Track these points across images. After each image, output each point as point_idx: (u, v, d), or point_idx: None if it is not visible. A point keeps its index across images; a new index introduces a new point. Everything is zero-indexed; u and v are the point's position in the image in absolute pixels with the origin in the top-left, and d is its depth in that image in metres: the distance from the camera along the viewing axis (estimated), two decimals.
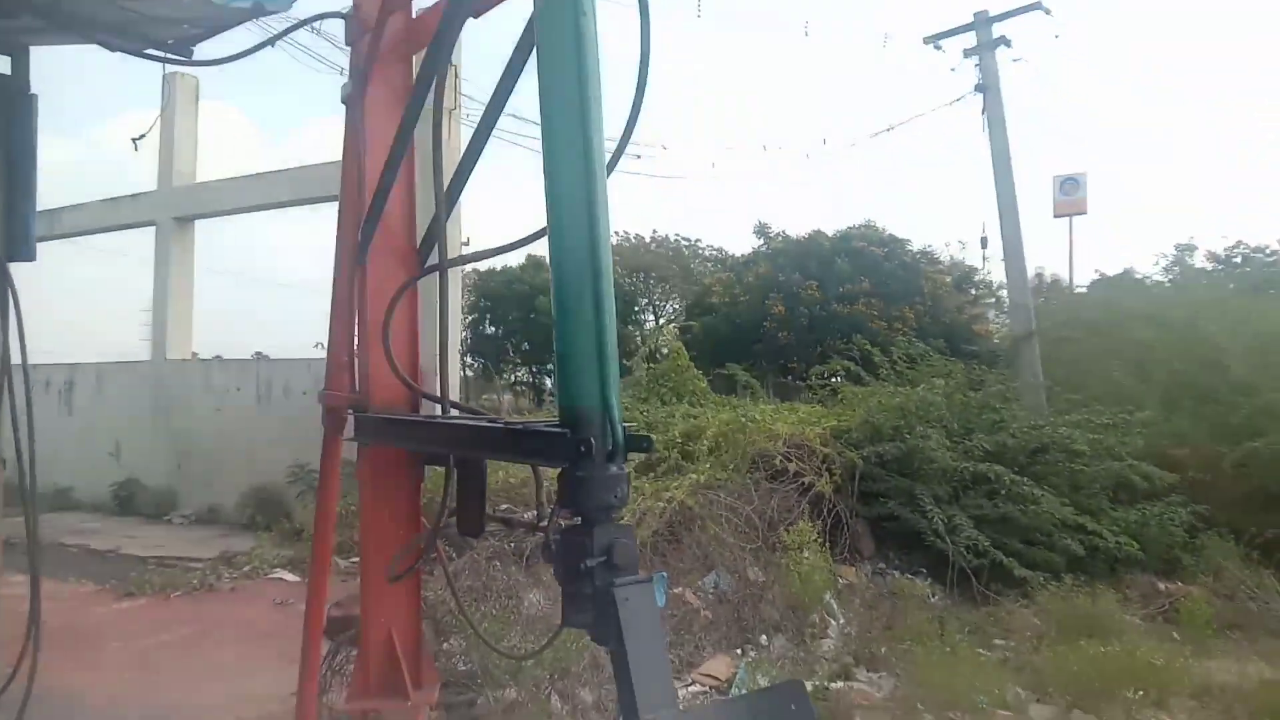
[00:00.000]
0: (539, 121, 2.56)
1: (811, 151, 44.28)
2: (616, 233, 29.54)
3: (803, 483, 8.73)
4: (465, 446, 2.94)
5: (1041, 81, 39.20)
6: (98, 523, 12.93)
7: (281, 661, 6.82)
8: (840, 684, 6.27)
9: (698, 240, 34.60)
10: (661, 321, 32.53)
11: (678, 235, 34.40)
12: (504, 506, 7.71)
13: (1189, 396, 12.33)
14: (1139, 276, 22.56)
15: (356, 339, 3.52)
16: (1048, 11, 12.76)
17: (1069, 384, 12.46)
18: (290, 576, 9.23)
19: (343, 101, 3.68)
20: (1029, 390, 11.69)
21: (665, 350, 11.39)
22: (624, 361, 11.89)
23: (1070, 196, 25.07)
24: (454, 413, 3.30)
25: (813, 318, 24.25)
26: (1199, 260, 25.40)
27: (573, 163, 2.50)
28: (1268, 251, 32.96)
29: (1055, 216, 25.19)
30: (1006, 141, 13.08)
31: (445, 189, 3.19)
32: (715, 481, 7.97)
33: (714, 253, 34.21)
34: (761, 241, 28.51)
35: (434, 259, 3.49)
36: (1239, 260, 33.54)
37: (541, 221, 2.61)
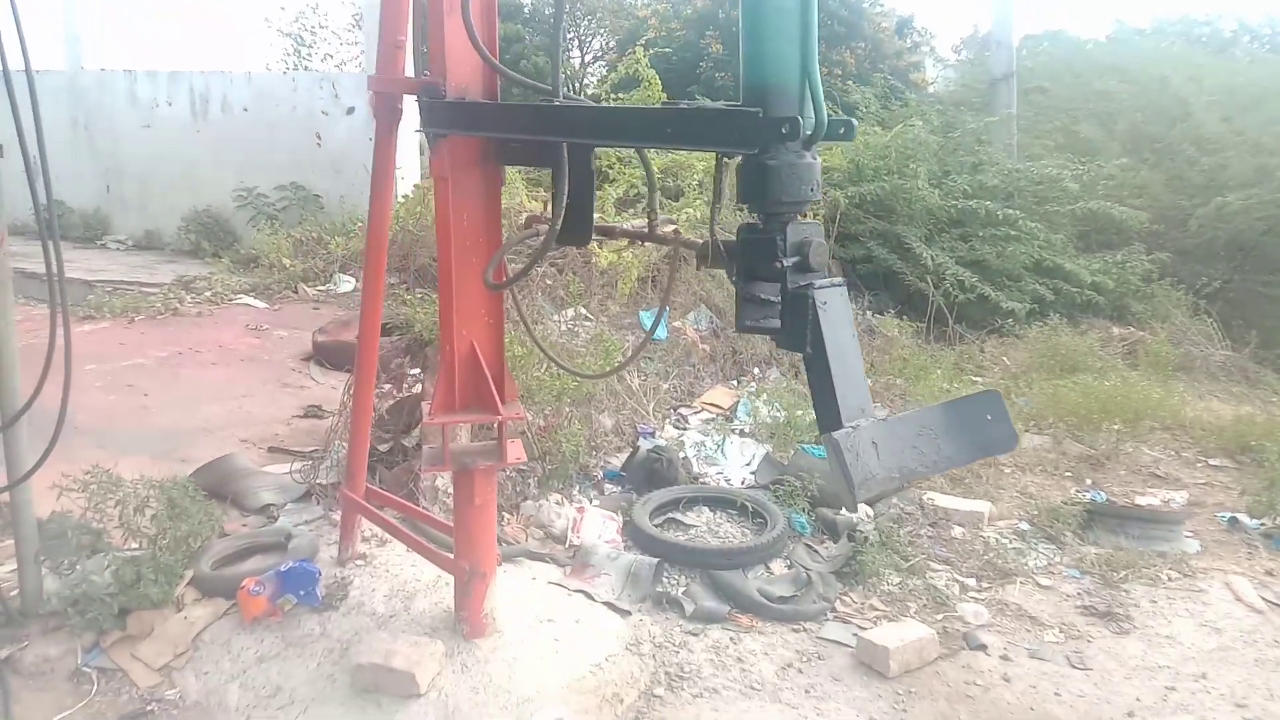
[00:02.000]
0: None
1: None
2: None
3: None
4: (614, 135, 2.59)
5: None
6: (21, 245, 12.00)
7: (271, 385, 6.63)
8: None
9: None
10: (588, 58, 30.88)
11: None
12: None
13: (1151, 150, 12.40)
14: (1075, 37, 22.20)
15: (429, 10, 3.00)
16: None
17: (1034, 132, 12.36)
18: (257, 302, 8.82)
19: None
20: (1000, 131, 11.54)
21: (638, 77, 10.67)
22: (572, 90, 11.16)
23: None
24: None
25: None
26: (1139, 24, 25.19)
27: None
28: (1202, 20, 33.05)
29: None
30: None
31: None
32: (705, 218, 7.69)
33: None
34: None
35: None
36: (1177, 25, 33.46)
37: None
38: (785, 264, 2.19)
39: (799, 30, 2.13)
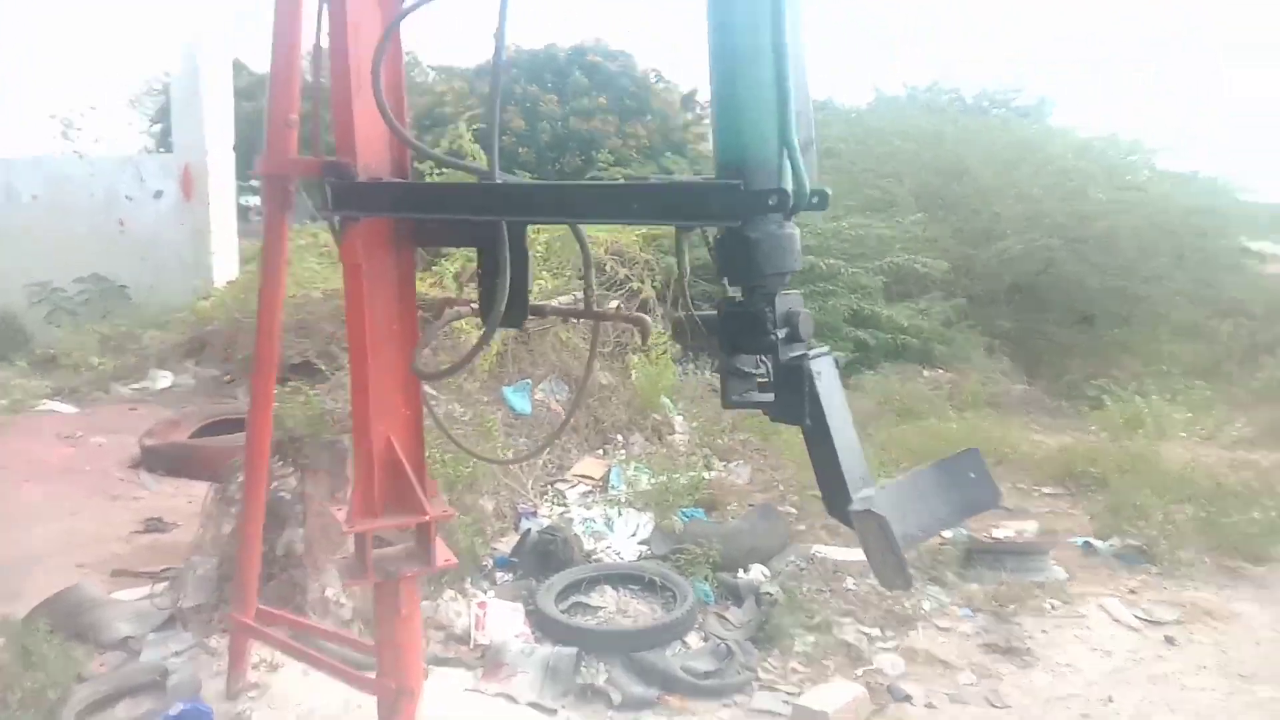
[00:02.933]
0: None
1: None
2: None
3: (630, 288, 8.61)
4: (577, 213, 2.47)
5: None
6: None
7: (99, 499, 5.91)
8: (710, 473, 6.42)
9: (411, 52, 32.30)
10: None
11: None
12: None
13: (938, 205, 13.50)
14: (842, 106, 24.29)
15: (333, 87, 2.80)
16: None
17: (836, 194, 13.17)
18: (64, 407, 7.87)
19: None
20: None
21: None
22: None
23: None
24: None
25: (553, 133, 23.89)
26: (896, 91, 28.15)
27: None
28: (948, 88, 37.29)
29: None
30: None
31: None
32: (555, 290, 7.64)
33: (436, 68, 32.24)
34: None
35: None
36: (926, 93, 37.27)
37: None
38: (778, 336, 2.15)
39: (775, 101, 2.13)
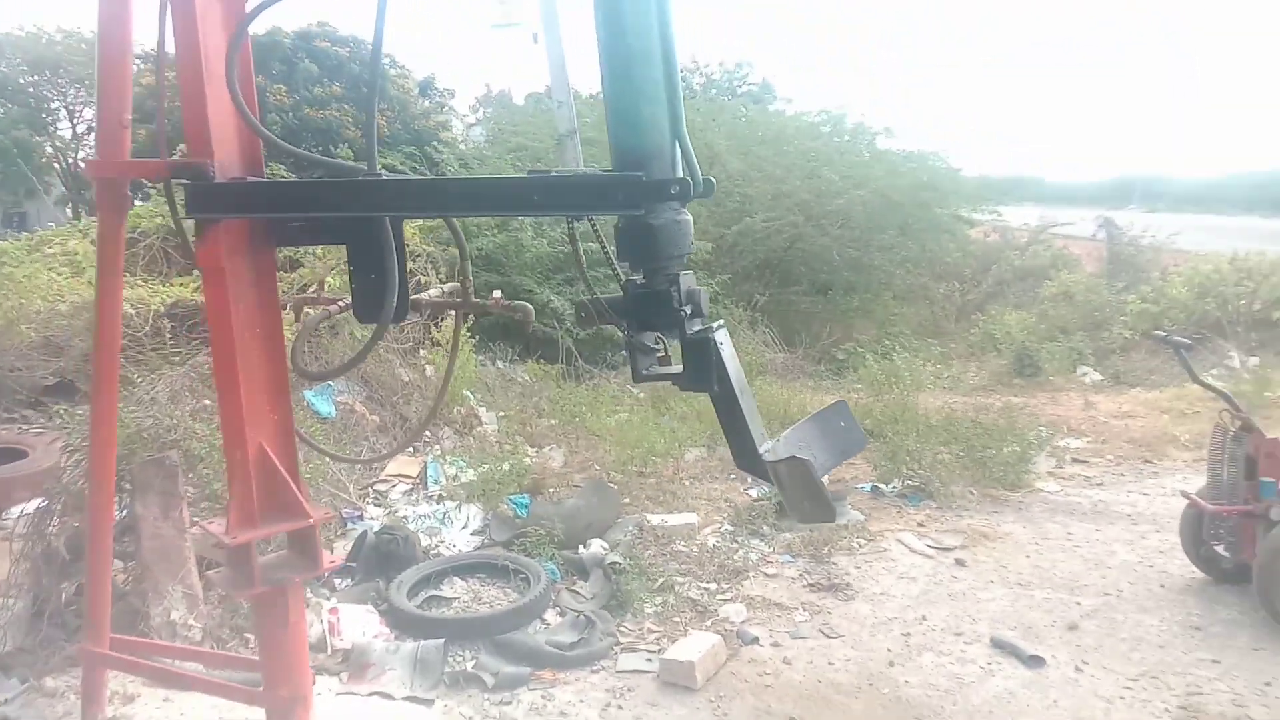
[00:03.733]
0: None
1: None
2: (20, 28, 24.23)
3: (418, 280, 8.50)
4: (473, 206, 2.52)
5: None
6: None
7: None
8: (527, 459, 6.54)
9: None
10: (80, 129, 27.71)
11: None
12: None
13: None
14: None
15: (181, 81, 2.68)
16: None
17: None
18: None
19: None
20: None
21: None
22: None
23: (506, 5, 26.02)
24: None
25: (285, 125, 22.70)
26: None
27: None
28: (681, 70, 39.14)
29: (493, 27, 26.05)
30: None
31: None
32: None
33: (150, 51, 29.41)
34: None
35: None
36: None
37: None
38: (687, 312, 2.35)
39: (667, 96, 2.30)
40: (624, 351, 2.47)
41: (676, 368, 2.43)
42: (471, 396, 7.90)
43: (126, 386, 6.35)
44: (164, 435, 4.38)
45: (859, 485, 6.37)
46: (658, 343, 2.49)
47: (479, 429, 7.36)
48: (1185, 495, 4.89)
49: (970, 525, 5.61)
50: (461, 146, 22.66)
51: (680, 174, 2.31)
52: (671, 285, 2.34)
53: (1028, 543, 5.39)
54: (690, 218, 2.38)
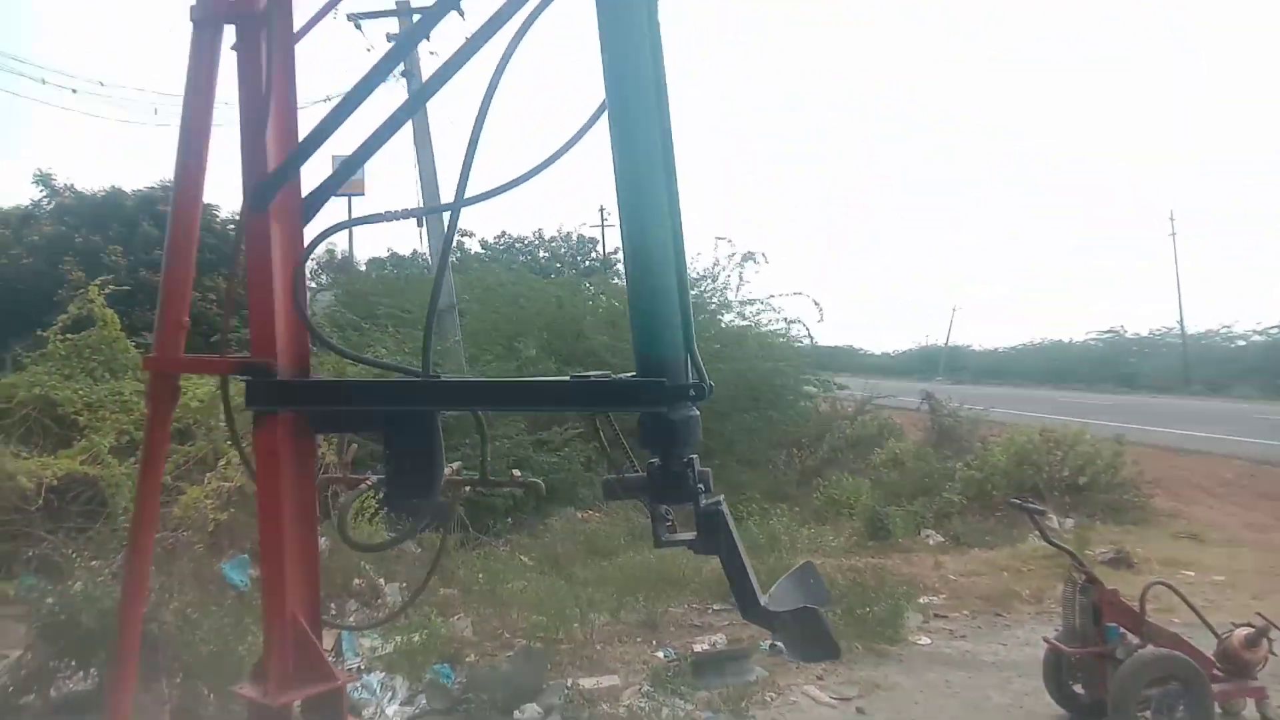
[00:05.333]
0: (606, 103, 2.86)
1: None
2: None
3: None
4: (549, 402, 3.02)
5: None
6: None
7: None
8: (442, 629, 6.72)
9: None
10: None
11: None
12: None
13: (557, 358, 14.93)
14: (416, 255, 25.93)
15: (250, 287, 3.11)
16: (462, 15, 14.02)
17: (478, 347, 14.18)
18: None
19: (194, 21, 3.20)
20: (451, 355, 12.98)
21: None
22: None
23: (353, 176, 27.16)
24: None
25: (117, 285, 22.16)
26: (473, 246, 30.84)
27: (650, 144, 2.87)
28: (526, 241, 41.00)
29: (336, 195, 27.01)
30: (427, 122, 14.20)
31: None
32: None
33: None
34: (45, 194, 24.51)
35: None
36: (504, 248, 40.45)
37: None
38: (701, 489, 2.91)
39: (681, 316, 2.92)
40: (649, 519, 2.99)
41: (690, 535, 2.94)
42: (369, 568, 8.00)
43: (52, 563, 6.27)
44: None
45: (760, 643, 6.88)
46: (668, 514, 3.02)
47: (380, 600, 7.48)
48: (1046, 640, 5.69)
49: (863, 676, 6.20)
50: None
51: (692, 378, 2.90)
52: (688, 467, 2.89)
53: (915, 690, 6.03)
54: (698, 413, 2.96)
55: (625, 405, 2.91)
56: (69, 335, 9.76)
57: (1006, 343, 63.06)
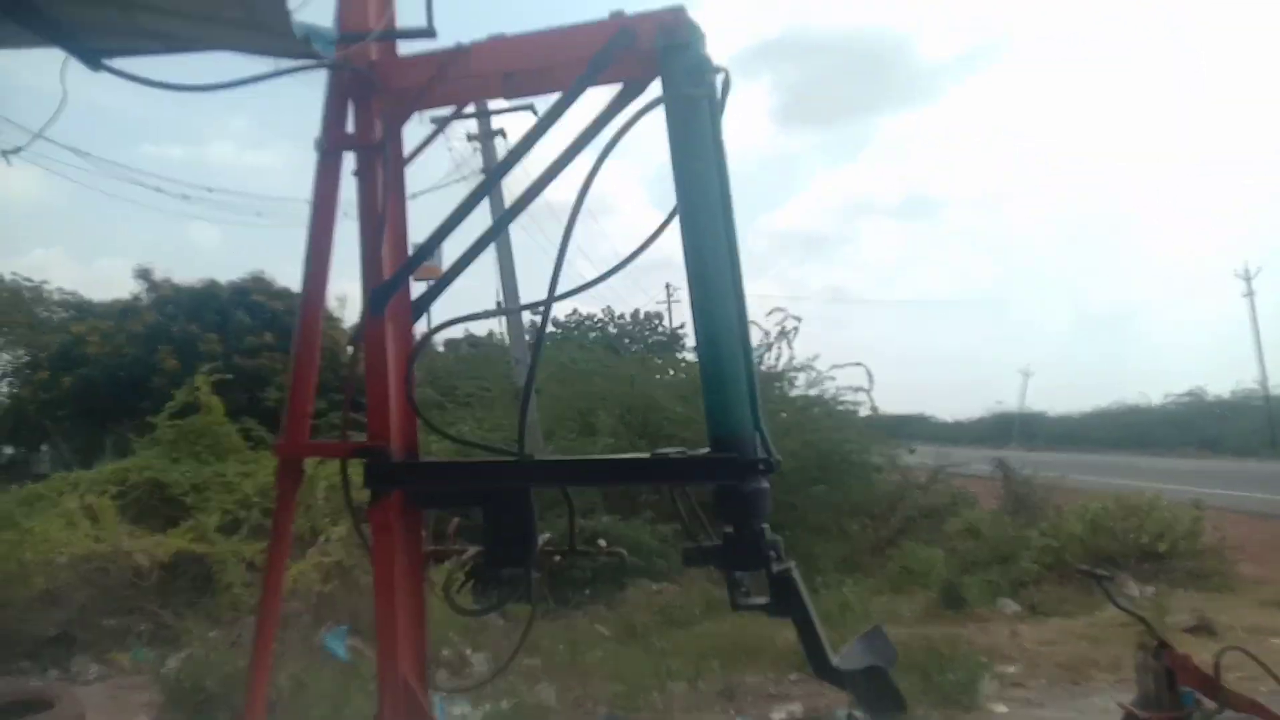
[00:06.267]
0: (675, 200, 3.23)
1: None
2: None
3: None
4: (632, 478, 3.37)
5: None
6: None
7: None
8: (528, 698, 6.99)
9: (44, 282, 30.20)
10: None
11: (14, 274, 29.61)
12: None
13: (631, 432, 15.28)
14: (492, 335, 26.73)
15: (369, 377, 3.51)
16: (535, 112, 14.91)
17: (557, 424, 14.67)
18: None
19: (319, 151, 3.66)
20: (529, 432, 13.46)
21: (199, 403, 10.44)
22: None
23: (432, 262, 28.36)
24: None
25: (221, 374, 23.25)
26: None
27: (716, 245, 3.24)
28: (596, 320, 41.59)
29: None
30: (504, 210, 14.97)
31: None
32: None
33: (68, 296, 30.16)
34: (145, 287, 25.98)
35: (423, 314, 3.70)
36: (574, 325, 41.15)
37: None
38: (774, 556, 3.19)
39: (749, 397, 3.24)
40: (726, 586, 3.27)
41: (764, 599, 3.21)
42: (456, 638, 8.33)
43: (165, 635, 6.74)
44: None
45: (837, 711, 6.99)
46: (743, 580, 3.30)
47: (468, 669, 7.78)
48: (1121, 706, 5.70)
49: None
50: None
51: (761, 453, 3.21)
52: (759, 537, 3.18)
53: None
54: (768, 486, 3.26)
55: (701, 480, 3.25)
56: (176, 420, 10.43)
57: (1082, 407, 61.25)
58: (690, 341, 29.69)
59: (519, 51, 3.41)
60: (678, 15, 3.17)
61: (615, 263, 3.54)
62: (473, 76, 3.46)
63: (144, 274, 25.19)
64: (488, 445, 3.73)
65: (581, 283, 3.57)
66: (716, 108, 3.24)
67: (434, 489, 3.57)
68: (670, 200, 3.22)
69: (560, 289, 3.35)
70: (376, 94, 3.52)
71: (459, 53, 3.40)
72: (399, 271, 3.55)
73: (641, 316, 41.42)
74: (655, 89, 3.26)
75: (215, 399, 10.36)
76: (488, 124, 15.49)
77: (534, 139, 3.39)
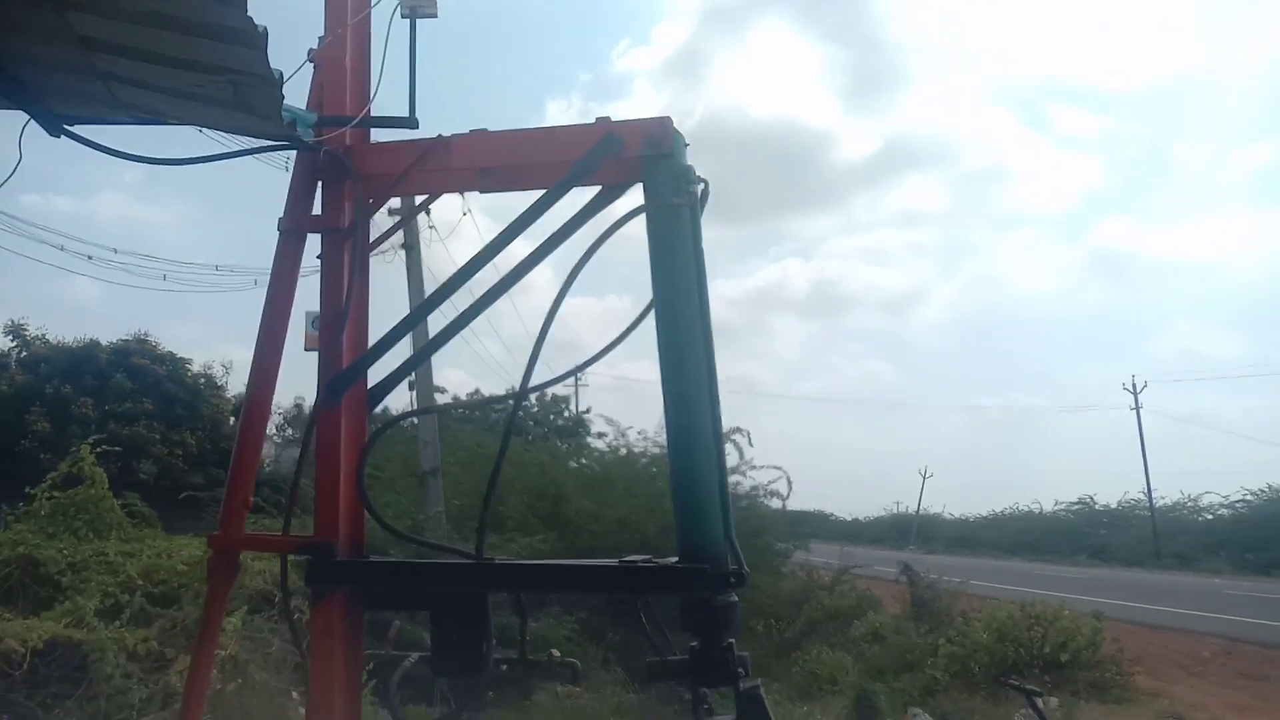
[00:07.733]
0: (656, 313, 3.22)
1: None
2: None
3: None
4: (595, 587, 3.23)
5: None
6: None
7: None
8: None
9: None
10: None
11: None
12: None
13: (540, 521, 14.88)
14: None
15: (320, 473, 3.35)
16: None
17: (460, 518, 14.15)
18: None
19: (281, 231, 3.54)
20: (433, 520, 12.99)
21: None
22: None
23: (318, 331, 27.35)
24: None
25: (84, 438, 21.55)
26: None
27: (693, 348, 3.23)
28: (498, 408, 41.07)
29: (305, 350, 27.26)
30: (423, 293, 14.81)
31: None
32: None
33: None
34: (16, 344, 24.29)
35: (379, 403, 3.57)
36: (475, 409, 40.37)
37: None
38: (742, 673, 3.10)
39: (722, 512, 3.19)
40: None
41: (729, 716, 3.11)
42: None
43: None
44: None
45: None
46: (706, 696, 3.19)
47: None
48: None
49: None
50: (268, 467, 22.21)
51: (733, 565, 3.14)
52: (728, 652, 3.09)
53: None
54: (738, 599, 3.18)
55: (669, 590, 3.15)
56: (55, 493, 9.74)
57: (976, 510, 62.99)
58: (595, 428, 29.50)
59: (501, 148, 3.39)
60: (664, 125, 3.21)
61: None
62: (450, 169, 3.42)
63: (16, 330, 23.58)
64: (444, 546, 3.55)
65: (552, 377, 3.51)
66: (697, 215, 3.27)
67: (382, 590, 3.38)
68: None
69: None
70: (350, 178, 3.43)
71: (440, 144, 3.36)
72: (358, 362, 3.42)
73: (548, 399, 40.97)
74: (633, 193, 3.28)
75: (100, 471, 9.73)
76: (411, 200, 15.27)
77: (511, 236, 3.35)
